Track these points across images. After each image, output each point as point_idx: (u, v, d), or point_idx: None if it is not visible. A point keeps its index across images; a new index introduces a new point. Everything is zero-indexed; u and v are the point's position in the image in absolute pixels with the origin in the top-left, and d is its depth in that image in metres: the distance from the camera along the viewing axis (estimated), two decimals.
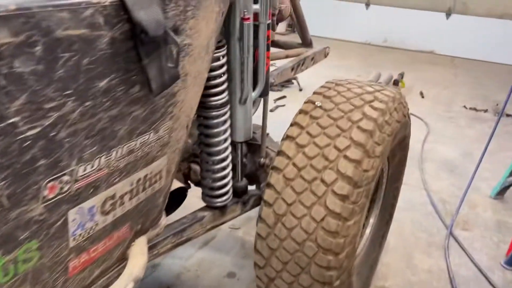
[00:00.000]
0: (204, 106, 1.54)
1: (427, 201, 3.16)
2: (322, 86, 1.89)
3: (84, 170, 0.80)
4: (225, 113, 1.59)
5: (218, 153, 1.65)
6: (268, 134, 2.24)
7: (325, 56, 2.47)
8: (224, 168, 1.69)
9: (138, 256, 1.01)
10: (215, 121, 1.58)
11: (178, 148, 1.12)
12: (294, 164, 1.63)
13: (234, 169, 1.79)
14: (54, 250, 0.80)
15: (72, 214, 0.82)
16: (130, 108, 0.86)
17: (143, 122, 0.91)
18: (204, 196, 1.73)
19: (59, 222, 0.79)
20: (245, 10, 1.42)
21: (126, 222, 0.99)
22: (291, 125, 1.74)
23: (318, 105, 1.75)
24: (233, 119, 1.67)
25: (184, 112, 1.09)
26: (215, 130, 1.60)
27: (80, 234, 0.85)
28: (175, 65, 0.86)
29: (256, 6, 1.50)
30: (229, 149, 1.69)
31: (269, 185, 1.65)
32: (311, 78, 5.63)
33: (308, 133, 1.68)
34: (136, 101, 0.87)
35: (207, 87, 1.52)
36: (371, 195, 1.73)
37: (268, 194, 1.64)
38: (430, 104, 5.05)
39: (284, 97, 5.01)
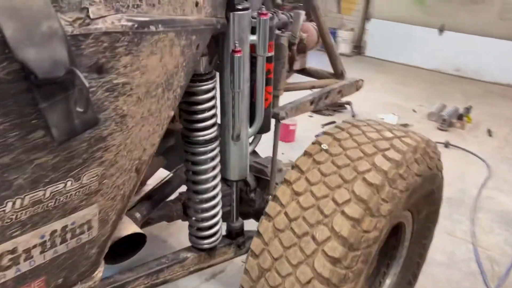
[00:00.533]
0: (188, 141, 1.42)
1: (472, 257, 2.78)
2: (336, 126, 1.69)
3: None
4: (213, 149, 1.45)
5: (205, 191, 1.51)
6: (281, 169, 2.07)
7: (357, 90, 2.24)
8: (212, 208, 1.55)
9: None
10: (202, 157, 1.45)
11: (119, 195, 0.99)
12: (286, 214, 1.45)
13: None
14: None
15: None
16: (31, 155, 0.75)
17: (53, 170, 0.80)
18: (190, 235, 1.59)
19: None
20: (236, 42, 1.28)
21: (39, 277, 0.88)
22: (292, 167, 1.56)
23: (324, 148, 1.55)
24: (226, 156, 1.52)
25: (127, 156, 0.96)
26: (202, 167, 1.47)
27: None
28: (85, 109, 0.74)
29: (254, 37, 1.35)
30: (219, 187, 1.55)
31: (258, 233, 1.48)
32: (367, 104, 5.35)
33: (307, 179, 1.49)
34: (40, 148, 0.76)
35: (191, 121, 1.40)
36: (372, 259, 1.49)
37: (255, 244, 1.47)
38: (497, 144, 4.56)
39: (333, 122, 4.77)
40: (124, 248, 1.20)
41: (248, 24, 1.33)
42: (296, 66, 2.27)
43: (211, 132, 1.43)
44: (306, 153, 1.57)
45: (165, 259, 1.55)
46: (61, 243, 0.89)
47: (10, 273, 0.82)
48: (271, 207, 1.49)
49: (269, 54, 1.42)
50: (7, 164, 0.72)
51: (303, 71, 2.35)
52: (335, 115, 4.99)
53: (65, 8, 0.72)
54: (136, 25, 0.84)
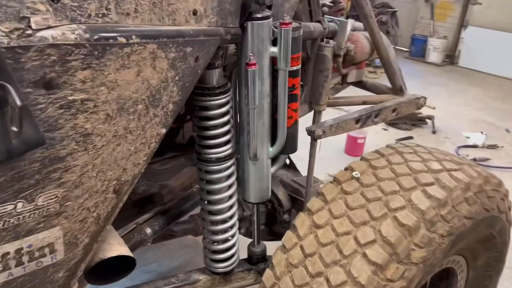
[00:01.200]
0: (200, 159, 1.32)
1: None
2: (376, 151, 1.49)
3: None
4: (227, 168, 1.34)
5: (219, 212, 1.40)
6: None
7: (418, 108, 1.99)
8: (227, 230, 1.43)
9: None
10: (215, 176, 1.34)
11: (92, 218, 0.92)
12: (302, 248, 1.29)
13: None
14: None
15: None
16: None
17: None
18: (204, 257, 1.49)
19: None
20: (250, 54, 1.15)
21: None
22: (316, 194, 1.39)
23: (355, 176, 1.36)
24: (244, 176, 1.40)
25: (97, 177, 0.88)
26: (215, 186, 1.36)
27: None
28: (19, 129, 0.66)
29: (274, 49, 1.21)
30: (234, 208, 1.43)
31: (271, 264, 1.34)
32: (453, 119, 4.88)
33: (330, 210, 1.32)
34: None
35: (202, 137, 1.30)
36: None
37: (267, 276, 1.33)
38: None
39: (410, 137, 4.40)
40: (114, 269, 1.13)
41: (268, 34, 1.20)
42: (351, 78, 2.08)
43: (225, 150, 1.31)
44: (335, 180, 1.39)
45: (175, 279, 1.47)
46: (16, 266, 0.83)
47: None
48: (288, 238, 1.34)
49: (294, 68, 1.27)
50: None
51: (360, 84, 2.15)
52: (413, 130, 4.61)
53: (0, 17, 0.65)
54: (96, 37, 0.75)
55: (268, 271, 1.33)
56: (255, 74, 1.16)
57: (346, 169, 1.42)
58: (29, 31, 0.67)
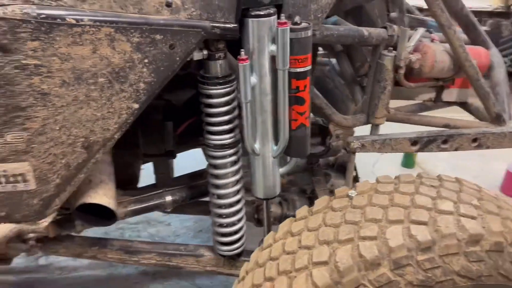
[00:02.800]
0: (206, 144, 1.42)
1: None
2: (397, 176, 1.33)
3: None
4: (232, 154, 1.40)
5: (225, 196, 1.48)
6: None
7: None
8: (231, 215, 1.50)
9: None
10: (220, 161, 1.42)
11: (61, 164, 1.14)
12: (270, 250, 1.27)
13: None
14: None
15: None
16: None
17: None
18: (212, 235, 1.59)
19: None
20: (242, 50, 1.19)
21: None
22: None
23: (350, 195, 1.26)
24: (251, 171, 1.44)
25: (61, 131, 1.09)
26: (221, 171, 1.44)
27: None
28: None
29: (273, 48, 1.22)
30: (240, 194, 1.49)
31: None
32: None
33: (306, 222, 1.26)
34: None
35: (207, 124, 1.39)
36: None
37: (242, 268, 1.35)
38: None
39: None
40: (103, 215, 1.34)
41: (267, 32, 1.21)
42: (449, 97, 1.84)
43: (228, 138, 1.38)
44: (333, 194, 1.31)
45: (183, 247, 1.62)
46: None
47: None
48: (267, 237, 1.33)
49: (298, 69, 1.25)
50: None
51: (463, 106, 1.88)
52: None
53: None
54: (43, 15, 0.95)
55: (245, 264, 1.36)
56: (245, 69, 1.19)
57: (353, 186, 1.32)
58: None
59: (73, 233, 1.56)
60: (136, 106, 1.16)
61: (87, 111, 1.11)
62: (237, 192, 1.49)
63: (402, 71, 1.51)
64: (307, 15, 1.31)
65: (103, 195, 1.31)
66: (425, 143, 1.56)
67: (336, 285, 1.07)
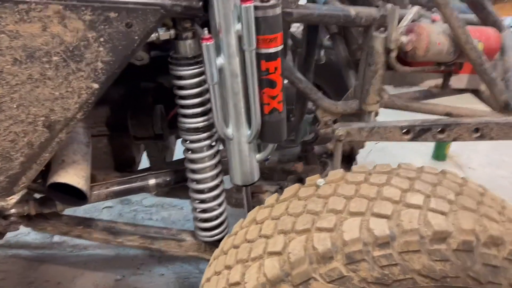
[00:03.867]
0: (180, 128, 1.39)
1: None
2: (376, 166, 1.24)
3: None
4: (207, 138, 1.37)
5: (202, 181, 1.45)
6: None
7: None
8: (211, 199, 1.47)
9: None
10: (194, 145, 1.39)
11: (22, 142, 1.15)
12: (235, 237, 1.23)
13: None
14: None
15: None
16: None
17: None
18: (193, 220, 1.57)
19: None
20: (205, 29, 1.15)
21: None
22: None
23: (318, 184, 1.19)
24: (228, 157, 1.40)
25: (18, 109, 1.11)
26: (197, 156, 1.41)
27: None
28: None
29: (239, 27, 1.16)
30: (218, 179, 1.45)
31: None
32: None
33: (271, 210, 1.20)
34: None
35: (180, 107, 1.36)
36: None
37: (213, 254, 1.32)
38: None
39: None
40: (78, 195, 1.35)
41: (231, 10, 1.15)
42: (459, 84, 1.70)
43: (202, 121, 1.35)
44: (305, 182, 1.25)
45: (165, 231, 1.61)
46: None
47: None
48: (236, 225, 1.29)
49: (268, 50, 1.18)
50: None
51: (476, 94, 1.73)
52: None
53: None
54: None
55: (216, 250, 1.33)
56: (209, 49, 1.15)
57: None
58: None
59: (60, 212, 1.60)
60: (95, 86, 1.15)
61: (44, 90, 1.11)
62: (215, 176, 1.45)
63: (393, 54, 1.40)
64: None
65: (74, 175, 1.32)
66: (418, 132, 1.45)
67: (286, 276, 1.02)
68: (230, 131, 1.32)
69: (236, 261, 1.14)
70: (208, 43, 1.14)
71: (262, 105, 1.27)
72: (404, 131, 1.45)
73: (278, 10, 1.17)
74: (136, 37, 1.13)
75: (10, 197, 1.25)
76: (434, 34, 1.40)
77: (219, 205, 1.50)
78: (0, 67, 1.04)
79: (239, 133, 1.33)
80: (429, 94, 1.70)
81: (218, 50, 1.20)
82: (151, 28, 1.14)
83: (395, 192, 1.08)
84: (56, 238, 2.58)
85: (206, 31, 1.15)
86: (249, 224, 1.23)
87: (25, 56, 1.05)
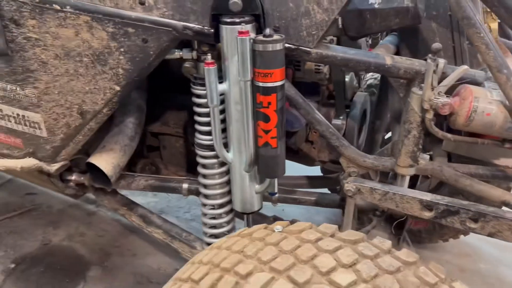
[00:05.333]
0: (194, 143, 1.48)
1: None
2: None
3: None
4: (217, 156, 1.43)
5: (211, 197, 1.51)
6: None
7: None
8: (217, 207, 1.52)
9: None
10: (206, 161, 1.46)
11: (62, 122, 1.40)
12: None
13: None
14: None
15: None
16: None
17: (8, 75, 1.38)
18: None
19: None
20: (208, 55, 1.22)
21: (18, 137, 1.51)
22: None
23: (277, 230, 1.12)
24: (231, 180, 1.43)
25: (58, 94, 1.36)
26: (207, 171, 1.48)
27: None
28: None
29: None
30: (226, 197, 1.49)
31: None
32: None
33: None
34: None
35: (195, 123, 1.45)
36: None
37: None
38: None
39: None
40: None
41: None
42: None
43: (207, 140, 1.41)
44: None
45: (185, 234, 1.72)
46: (23, 124, 1.47)
47: (3, 123, 1.51)
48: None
49: (264, 84, 1.18)
50: None
51: None
52: None
53: None
54: (37, 1, 1.21)
55: None
56: (210, 73, 1.21)
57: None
58: None
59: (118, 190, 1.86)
60: (117, 88, 1.33)
61: (77, 83, 1.34)
62: (224, 194, 1.49)
63: (428, 116, 1.21)
64: (298, 30, 1.22)
65: (104, 160, 1.53)
66: (442, 212, 1.22)
67: None
68: (230, 155, 1.35)
69: None
70: (209, 68, 1.21)
71: (256, 136, 1.26)
72: (424, 205, 1.24)
73: (279, 46, 1.15)
74: (152, 52, 1.26)
75: (53, 164, 1.53)
76: (484, 101, 1.16)
77: (227, 222, 1.53)
78: (46, 59, 1.31)
79: (240, 160, 1.34)
80: (500, 174, 1.39)
81: (225, 76, 1.26)
82: (165, 46, 1.26)
83: (327, 262, 0.96)
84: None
85: (209, 56, 1.22)
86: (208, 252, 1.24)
87: (63, 54, 1.30)
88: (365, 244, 1.03)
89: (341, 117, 1.70)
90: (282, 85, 1.20)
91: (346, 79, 1.67)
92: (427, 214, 1.24)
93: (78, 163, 1.67)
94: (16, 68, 1.35)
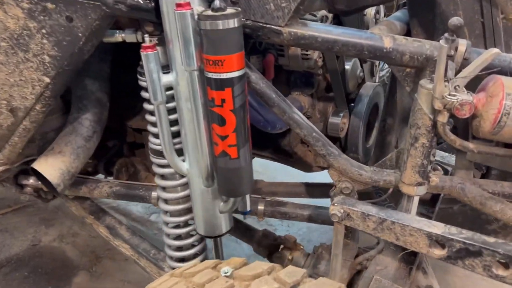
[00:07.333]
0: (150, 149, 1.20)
1: None
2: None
3: None
4: None
5: (174, 213, 1.23)
6: None
7: None
8: (183, 225, 1.25)
9: None
10: (164, 170, 1.18)
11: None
12: None
13: None
14: None
15: None
16: None
17: None
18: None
19: None
20: (146, 35, 0.93)
21: None
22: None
23: (225, 273, 0.84)
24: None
25: None
26: (168, 183, 1.19)
27: None
28: None
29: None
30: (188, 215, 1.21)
31: None
32: None
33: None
34: None
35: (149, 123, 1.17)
36: None
37: None
38: None
39: None
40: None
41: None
42: None
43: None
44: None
45: (153, 251, 1.47)
46: None
47: None
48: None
49: (214, 75, 0.88)
50: None
51: None
52: None
53: None
54: None
55: None
56: (148, 60, 0.93)
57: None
58: None
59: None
60: (47, 79, 1.07)
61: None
62: (190, 210, 1.21)
63: (440, 118, 0.88)
64: (263, 1, 0.91)
65: (50, 165, 1.29)
66: (458, 252, 0.88)
67: None
68: (186, 165, 1.07)
69: None
70: (147, 53, 0.92)
71: (212, 143, 0.97)
72: (434, 240, 0.91)
73: (233, 23, 0.85)
74: (80, 34, 0.99)
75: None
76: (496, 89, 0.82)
77: (195, 243, 1.26)
78: None
79: (199, 171, 1.05)
80: None
81: (171, 65, 0.97)
82: (96, 26, 0.98)
83: None
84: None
85: (147, 38, 0.93)
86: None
87: None
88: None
89: (341, 114, 1.37)
90: (241, 76, 0.89)
91: (347, 67, 1.34)
92: (438, 253, 0.91)
93: None
94: None
